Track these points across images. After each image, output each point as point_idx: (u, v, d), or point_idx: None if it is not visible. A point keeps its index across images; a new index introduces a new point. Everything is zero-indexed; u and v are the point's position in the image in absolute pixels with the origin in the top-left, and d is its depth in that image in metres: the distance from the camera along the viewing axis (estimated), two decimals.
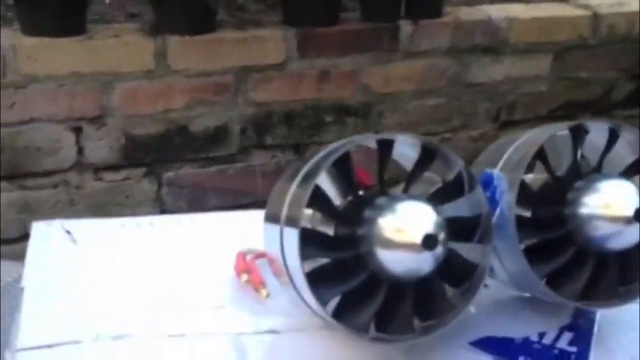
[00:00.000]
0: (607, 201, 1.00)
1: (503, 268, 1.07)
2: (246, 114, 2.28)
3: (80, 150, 2.20)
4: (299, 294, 0.95)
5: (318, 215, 0.96)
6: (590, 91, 2.63)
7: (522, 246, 1.02)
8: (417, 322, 0.98)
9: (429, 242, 0.89)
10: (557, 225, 1.03)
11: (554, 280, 1.05)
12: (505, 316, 1.10)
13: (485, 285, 1.01)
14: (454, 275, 0.99)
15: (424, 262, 0.91)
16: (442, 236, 0.91)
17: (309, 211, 0.94)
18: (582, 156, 1.09)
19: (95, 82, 2.14)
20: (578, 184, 1.03)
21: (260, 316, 1.03)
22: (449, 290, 0.99)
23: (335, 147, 0.95)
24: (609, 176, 1.03)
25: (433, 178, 0.99)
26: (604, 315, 1.11)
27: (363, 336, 0.96)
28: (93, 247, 1.12)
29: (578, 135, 1.04)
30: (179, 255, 1.13)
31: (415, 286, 0.95)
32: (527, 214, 1.05)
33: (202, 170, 2.31)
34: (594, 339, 1.07)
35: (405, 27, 2.36)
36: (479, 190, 0.99)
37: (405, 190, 0.96)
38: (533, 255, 1.02)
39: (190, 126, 2.25)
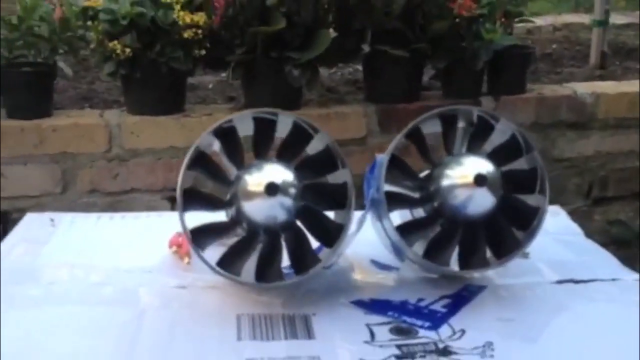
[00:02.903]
0: (461, 172, 1.24)
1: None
2: None
3: None
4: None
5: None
6: None
7: (396, 219, 1.27)
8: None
9: (271, 189, 1.17)
10: (425, 199, 1.27)
11: (432, 253, 1.27)
12: (395, 286, 1.33)
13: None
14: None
15: (272, 208, 1.19)
16: (291, 189, 1.18)
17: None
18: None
19: None
20: (444, 161, 1.27)
21: (176, 276, 1.33)
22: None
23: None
24: (468, 155, 1.26)
25: None
26: (492, 291, 1.31)
27: (244, 284, 1.24)
28: (67, 229, 1.49)
29: (447, 120, 1.28)
30: (133, 238, 1.47)
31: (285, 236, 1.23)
32: (401, 190, 1.29)
33: None
34: (469, 305, 1.27)
35: (487, 102, 2.61)
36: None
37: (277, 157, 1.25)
38: (408, 230, 1.27)
39: None
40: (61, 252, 1.40)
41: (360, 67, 2.82)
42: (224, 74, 2.74)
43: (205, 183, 1.27)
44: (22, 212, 2.49)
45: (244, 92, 2.62)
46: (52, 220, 1.50)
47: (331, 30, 2.52)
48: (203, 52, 2.43)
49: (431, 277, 1.34)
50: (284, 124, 1.27)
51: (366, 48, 2.49)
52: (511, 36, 2.61)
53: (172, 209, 2.56)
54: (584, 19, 3.64)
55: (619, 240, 2.69)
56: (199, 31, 2.39)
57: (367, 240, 1.35)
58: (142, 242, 1.46)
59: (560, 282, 1.35)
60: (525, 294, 1.31)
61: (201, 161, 1.23)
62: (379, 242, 1.37)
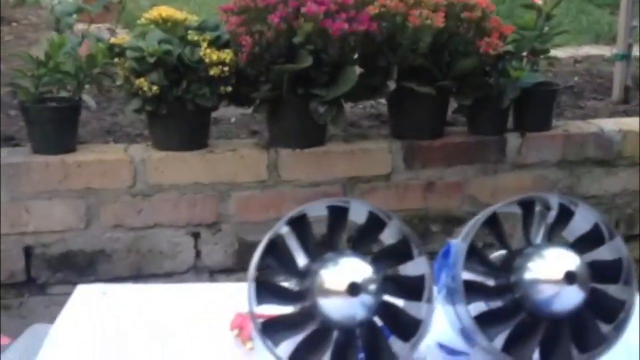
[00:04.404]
0: (546, 267, 1.11)
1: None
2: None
3: (197, 254, 2.46)
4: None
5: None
6: None
7: (472, 310, 1.14)
8: None
9: (353, 289, 1.05)
10: (505, 290, 1.15)
11: (511, 347, 1.15)
12: None
13: None
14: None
15: (352, 308, 1.07)
16: (372, 286, 1.06)
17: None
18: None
19: (214, 191, 2.42)
20: (526, 252, 1.15)
21: None
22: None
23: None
24: (552, 245, 1.14)
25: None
26: None
27: None
28: (120, 305, 1.36)
29: (527, 208, 1.16)
30: (191, 316, 1.34)
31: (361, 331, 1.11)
32: (480, 279, 1.17)
33: None
34: None
35: (513, 139, 2.50)
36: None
37: (353, 248, 1.13)
38: (486, 321, 1.14)
39: None
40: (116, 336, 1.27)
41: (383, 101, 2.70)
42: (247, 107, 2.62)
43: (274, 270, 1.14)
44: (46, 247, 2.38)
45: (268, 128, 2.50)
46: (104, 293, 1.37)
47: (357, 66, 2.41)
48: (229, 89, 2.31)
49: None
50: (356, 209, 1.15)
51: (392, 85, 2.37)
52: (537, 73, 2.50)
53: (196, 245, 2.45)
54: (604, 50, 3.53)
55: None
56: (225, 68, 2.27)
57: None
58: (200, 320, 1.32)
59: None
60: None
61: (272, 250, 1.11)
62: (443, 321, 1.24)
